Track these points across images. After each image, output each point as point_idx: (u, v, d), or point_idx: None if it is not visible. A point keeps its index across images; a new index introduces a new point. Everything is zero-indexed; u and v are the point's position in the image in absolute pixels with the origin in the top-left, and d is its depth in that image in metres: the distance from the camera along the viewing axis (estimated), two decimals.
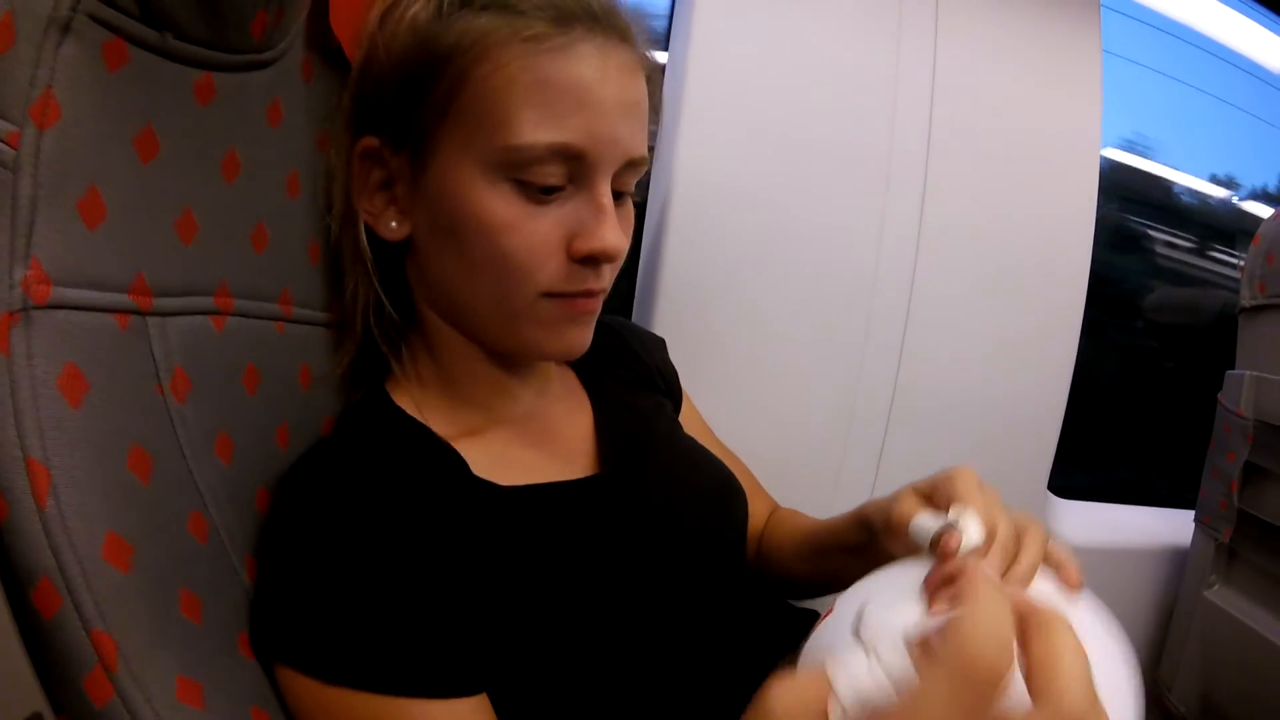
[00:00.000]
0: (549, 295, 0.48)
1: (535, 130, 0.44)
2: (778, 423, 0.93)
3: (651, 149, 0.52)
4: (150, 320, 0.39)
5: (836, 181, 0.91)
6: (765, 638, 0.58)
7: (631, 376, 0.66)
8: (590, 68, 0.45)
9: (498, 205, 0.45)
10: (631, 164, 0.48)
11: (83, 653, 0.33)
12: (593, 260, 0.47)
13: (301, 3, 0.46)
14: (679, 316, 0.88)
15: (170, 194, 0.40)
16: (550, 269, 0.47)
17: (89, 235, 0.36)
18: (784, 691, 0.29)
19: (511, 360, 0.54)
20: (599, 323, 0.59)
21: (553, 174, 0.45)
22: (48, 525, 0.32)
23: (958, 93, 0.95)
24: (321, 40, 0.51)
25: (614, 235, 0.47)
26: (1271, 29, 1.50)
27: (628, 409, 0.61)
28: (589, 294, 0.49)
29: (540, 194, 0.46)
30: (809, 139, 0.90)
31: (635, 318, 0.92)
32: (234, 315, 0.45)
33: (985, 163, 0.96)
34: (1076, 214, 1.00)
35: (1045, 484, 1.06)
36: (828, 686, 0.29)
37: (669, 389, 0.70)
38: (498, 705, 0.44)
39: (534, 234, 0.46)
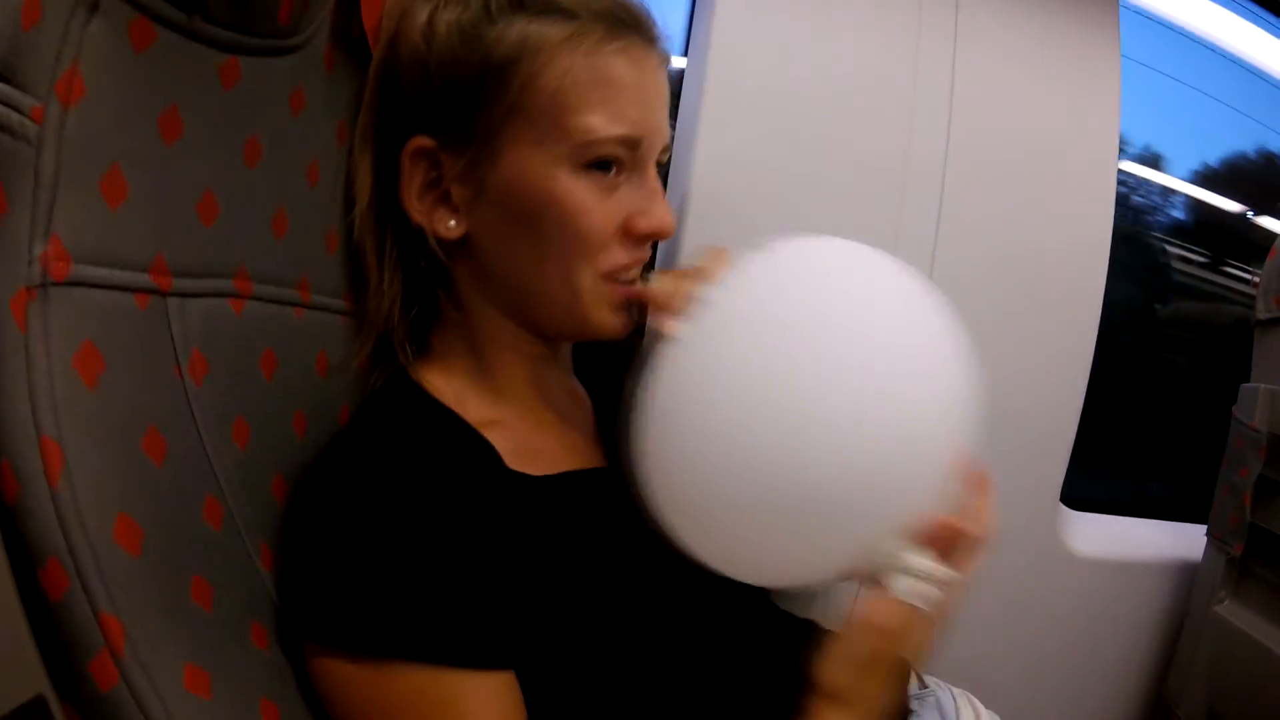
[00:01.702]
0: (606, 277, 0.52)
1: (607, 124, 0.48)
2: None
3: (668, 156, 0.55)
4: (170, 301, 0.39)
5: (853, 187, 0.91)
6: (772, 634, 0.59)
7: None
8: (639, 67, 0.50)
9: (578, 192, 0.49)
10: (665, 149, 0.54)
11: (90, 635, 0.32)
12: (646, 238, 0.52)
13: None
14: None
15: (192, 176, 0.40)
16: (612, 248, 0.51)
17: (110, 213, 0.35)
18: (871, 609, 0.44)
19: (556, 347, 0.57)
20: None
21: (615, 164, 0.50)
22: (59, 505, 0.32)
23: (975, 101, 0.94)
24: (345, 29, 0.51)
25: (669, 215, 0.52)
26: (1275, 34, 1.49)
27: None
28: (641, 262, 0.54)
29: (607, 181, 0.50)
30: (826, 145, 0.90)
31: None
32: (253, 299, 0.45)
33: (1002, 171, 0.96)
34: (1093, 224, 0.99)
35: (1057, 495, 1.05)
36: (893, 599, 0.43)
37: None
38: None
39: (606, 216, 0.50)
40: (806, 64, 0.89)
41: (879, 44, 0.91)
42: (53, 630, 0.32)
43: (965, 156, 0.94)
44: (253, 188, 0.45)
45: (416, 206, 0.51)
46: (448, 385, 0.53)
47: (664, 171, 0.56)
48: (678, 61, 0.94)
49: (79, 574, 0.32)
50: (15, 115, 0.32)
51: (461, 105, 0.48)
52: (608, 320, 0.53)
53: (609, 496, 0.54)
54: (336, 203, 0.53)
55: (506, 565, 0.45)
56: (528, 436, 0.54)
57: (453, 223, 0.51)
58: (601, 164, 0.49)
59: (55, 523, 0.32)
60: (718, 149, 0.86)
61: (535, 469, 0.51)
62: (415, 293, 0.54)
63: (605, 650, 0.47)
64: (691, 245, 0.87)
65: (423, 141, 0.49)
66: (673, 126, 0.91)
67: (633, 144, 0.49)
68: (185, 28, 0.38)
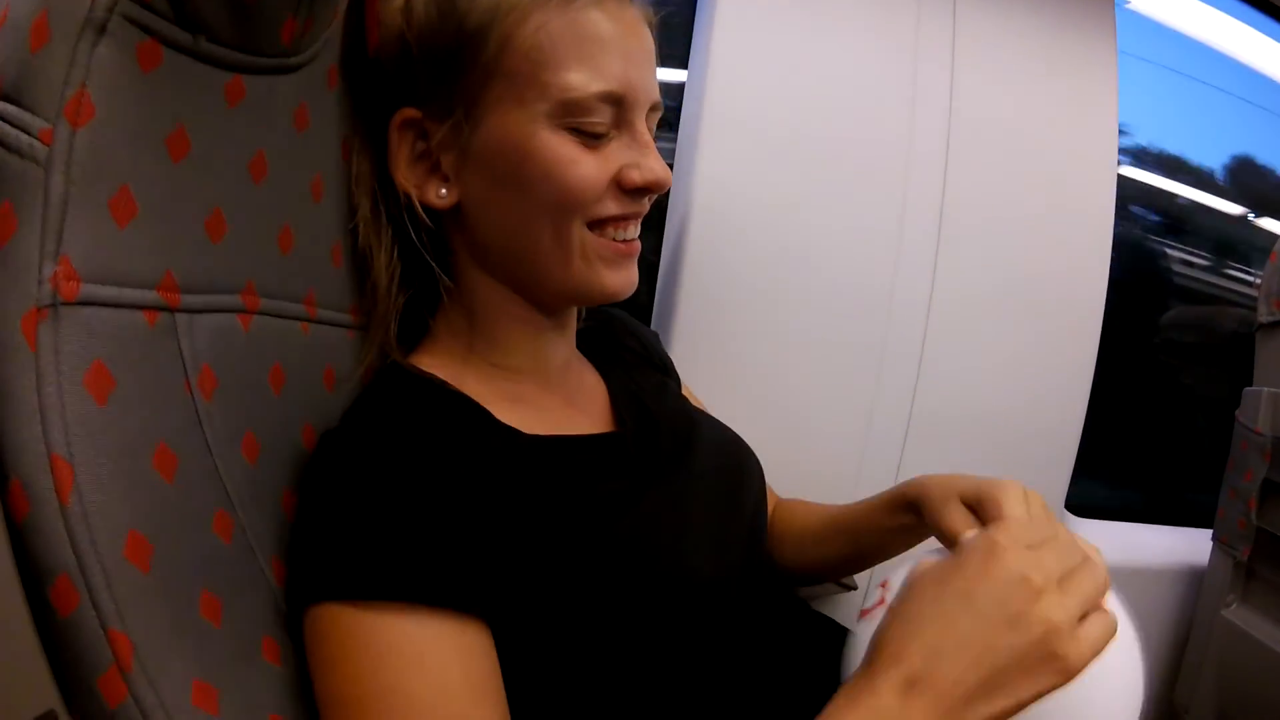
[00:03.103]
0: (599, 229, 0.51)
1: (584, 80, 0.48)
2: (795, 434, 0.92)
3: (670, 165, 0.53)
4: (179, 317, 0.39)
5: (854, 195, 0.92)
6: (780, 609, 0.59)
7: (636, 359, 0.69)
8: (615, 20, 0.50)
9: (562, 147, 0.49)
10: (654, 108, 0.53)
11: (98, 652, 0.33)
12: (641, 191, 0.52)
13: (330, 12, 0.47)
14: (698, 327, 0.88)
15: (200, 193, 0.40)
16: (604, 201, 0.51)
17: (119, 233, 0.36)
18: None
19: (557, 318, 0.57)
20: (604, 314, 0.67)
21: (600, 120, 0.49)
22: (69, 522, 0.32)
23: (974, 111, 0.95)
24: (350, 48, 0.52)
25: (662, 167, 0.52)
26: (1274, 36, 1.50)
27: (636, 383, 0.64)
28: (636, 215, 0.53)
29: (592, 139, 0.50)
30: (827, 154, 0.91)
31: (655, 327, 0.92)
32: (260, 315, 0.45)
33: (1002, 178, 0.96)
34: (1094, 229, 1.00)
35: (1063, 503, 1.05)
36: None
37: (668, 371, 0.73)
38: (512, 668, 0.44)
39: (595, 168, 0.50)
40: (806, 76, 0.90)
41: (878, 57, 0.92)
42: (63, 647, 0.33)
43: (965, 165, 0.94)
44: (259, 204, 0.45)
45: (406, 176, 0.51)
46: (444, 366, 0.54)
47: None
48: (678, 75, 0.95)
49: (89, 591, 0.32)
50: (24, 137, 0.33)
51: (442, 73, 0.49)
52: (607, 278, 0.52)
53: (615, 459, 0.53)
54: (340, 217, 0.53)
55: (491, 516, 0.44)
56: (529, 406, 0.54)
57: (443, 191, 0.52)
58: (588, 124, 0.49)
59: (65, 540, 0.32)
60: (719, 163, 0.87)
61: (531, 430, 0.51)
62: (413, 272, 0.54)
63: (594, 614, 0.45)
64: (695, 257, 0.87)
65: (408, 113, 0.51)
66: (673, 139, 0.92)
67: (616, 99, 0.49)
68: (191, 48, 0.38)
